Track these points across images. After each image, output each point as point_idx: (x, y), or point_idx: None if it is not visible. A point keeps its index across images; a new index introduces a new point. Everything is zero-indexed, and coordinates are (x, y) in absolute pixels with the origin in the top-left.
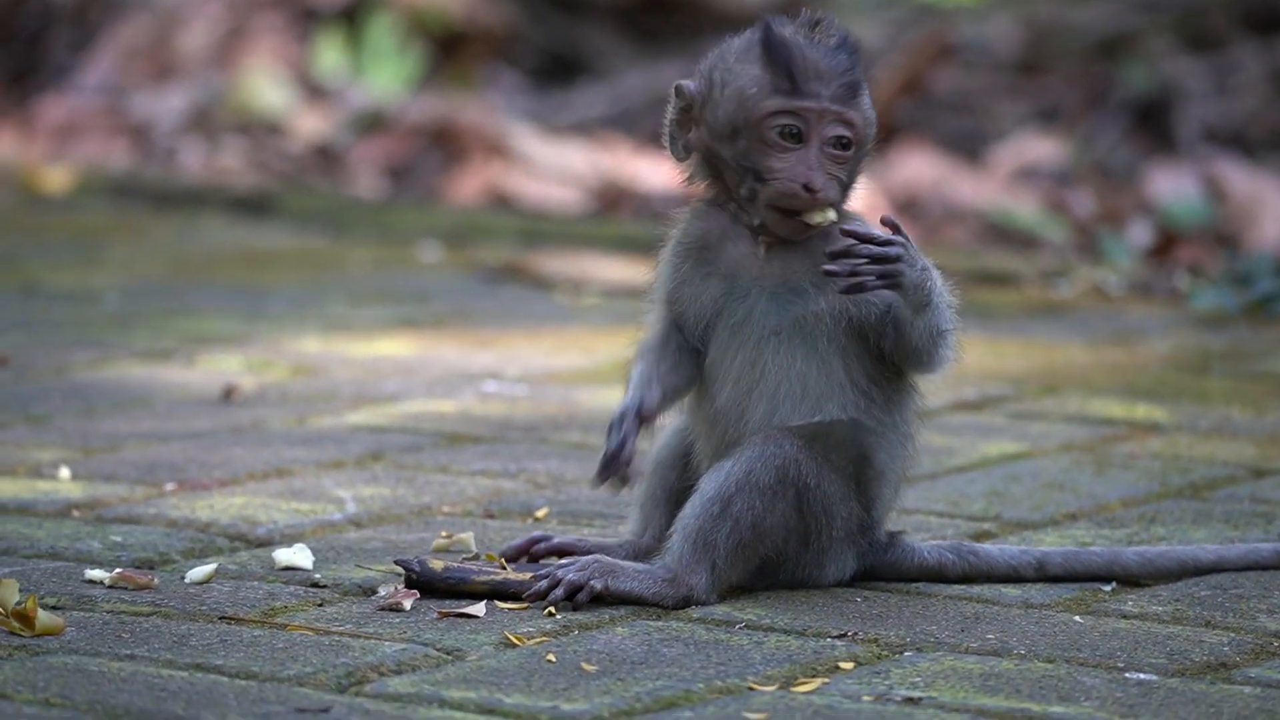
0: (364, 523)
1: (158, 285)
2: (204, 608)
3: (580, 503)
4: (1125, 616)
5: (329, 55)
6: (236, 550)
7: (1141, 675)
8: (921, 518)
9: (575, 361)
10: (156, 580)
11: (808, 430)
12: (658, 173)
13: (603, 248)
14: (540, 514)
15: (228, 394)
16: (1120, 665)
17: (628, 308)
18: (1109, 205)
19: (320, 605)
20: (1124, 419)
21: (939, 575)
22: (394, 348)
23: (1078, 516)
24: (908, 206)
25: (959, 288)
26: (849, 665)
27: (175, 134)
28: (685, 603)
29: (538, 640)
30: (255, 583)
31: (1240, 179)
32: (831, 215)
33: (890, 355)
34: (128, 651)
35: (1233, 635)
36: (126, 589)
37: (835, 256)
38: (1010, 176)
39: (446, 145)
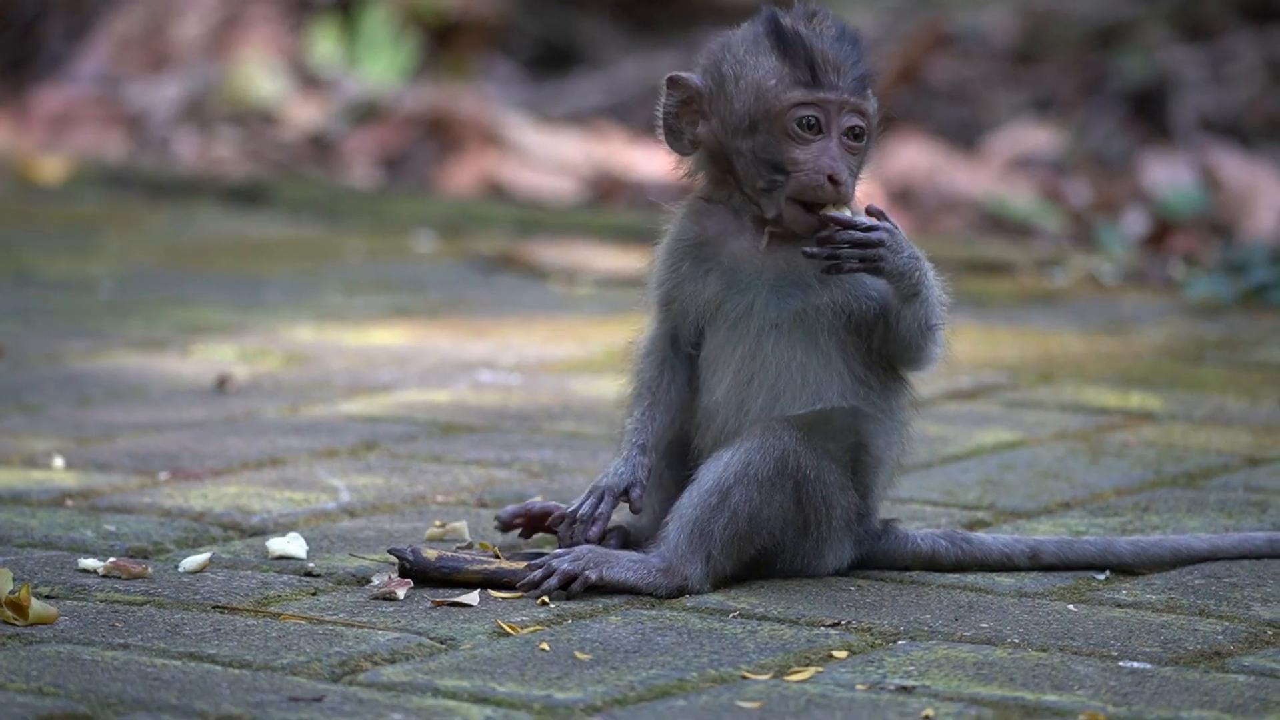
0: (358, 512)
1: (152, 275)
2: (197, 597)
3: (574, 491)
4: (1119, 605)
5: (324, 45)
6: (230, 539)
7: (1135, 664)
8: (916, 506)
9: (569, 351)
10: (150, 569)
11: (806, 419)
12: (652, 163)
13: (597, 237)
14: None
15: (222, 383)
16: (1114, 654)
17: (622, 297)
18: (1104, 194)
19: (314, 594)
20: (1118, 408)
21: (933, 564)
22: (388, 337)
23: (1072, 505)
24: (903, 195)
25: (954, 277)
26: (842, 654)
27: (170, 123)
28: (679, 593)
29: (531, 629)
30: (249, 572)
31: (1235, 168)
32: (846, 211)
33: (880, 349)
34: (121, 640)
35: (1226, 624)
36: (120, 578)
37: (820, 240)
38: (1006, 165)
39: (441, 135)
